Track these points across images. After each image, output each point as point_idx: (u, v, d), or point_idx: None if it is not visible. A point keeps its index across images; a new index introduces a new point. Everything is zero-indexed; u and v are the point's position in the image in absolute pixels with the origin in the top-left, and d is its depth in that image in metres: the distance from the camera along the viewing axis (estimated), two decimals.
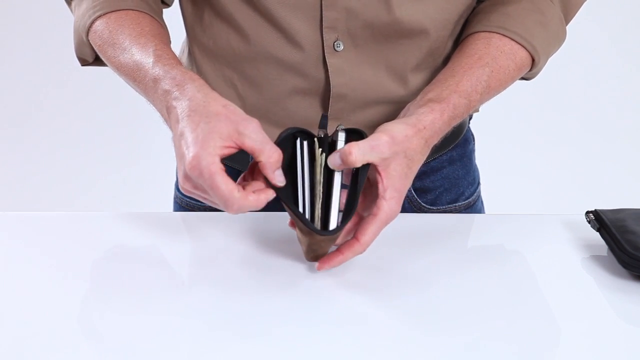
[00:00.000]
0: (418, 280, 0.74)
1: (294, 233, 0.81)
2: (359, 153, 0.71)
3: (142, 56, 0.79)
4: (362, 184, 0.72)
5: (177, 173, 1.07)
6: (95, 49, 0.86)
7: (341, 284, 0.74)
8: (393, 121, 0.76)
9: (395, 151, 0.73)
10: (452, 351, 0.64)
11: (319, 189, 0.73)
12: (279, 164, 0.70)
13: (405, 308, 0.70)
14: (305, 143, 0.75)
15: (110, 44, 0.83)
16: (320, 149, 0.74)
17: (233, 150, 0.70)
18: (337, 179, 0.73)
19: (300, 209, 0.72)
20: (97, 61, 0.91)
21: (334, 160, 0.72)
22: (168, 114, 0.74)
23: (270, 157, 0.70)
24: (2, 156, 2.90)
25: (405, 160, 0.74)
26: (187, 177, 0.70)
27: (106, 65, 0.91)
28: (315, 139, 0.75)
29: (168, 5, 0.95)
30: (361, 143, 0.72)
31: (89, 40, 0.86)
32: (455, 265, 0.78)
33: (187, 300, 0.73)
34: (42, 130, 2.94)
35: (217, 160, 0.68)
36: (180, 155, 0.70)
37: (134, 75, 0.80)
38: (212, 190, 0.68)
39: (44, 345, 0.64)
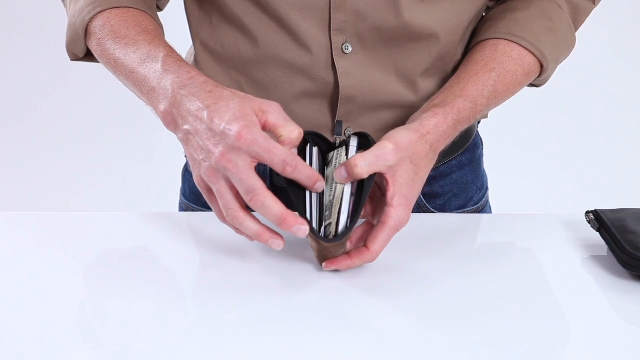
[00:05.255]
0: (422, 281, 0.74)
1: None
2: (364, 165, 0.70)
3: (150, 49, 0.79)
4: (368, 190, 0.72)
5: (183, 176, 1.07)
6: (93, 43, 0.85)
7: (350, 285, 0.74)
8: (396, 129, 0.76)
9: (401, 157, 0.73)
10: (451, 351, 0.64)
11: (335, 194, 0.72)
12: (298, 142, 0.70)
13: (412, 307, 0.70)
14: (315, 149, 0.75)
15: (111, 37, 0.83)
16: (338, 153, 0.74)
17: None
18: (348, 187, 0.72)
19: (308, 216, 0.71)
20: (87, 57, 0.91)
21: (339, 174, 0.72)
22: (178, 102, 0.72)
23: (291, 133, 0.70)
24: (2, 156, 2.91)
25: (411, 166, 0.74)
26: (227, 155, 0.68)
27: (96, 61, 0.91)
28: (336, 149, 0.75)
29: (160, 9, 0.95)
30: (366, 154, 0.71)
31: (85, 36, 0.86)
32: (457, 265, 0.78)
33: (190, 302, 0.73)
34: (42, 130, 2.94)
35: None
36: (219, 132, 0.68)
37: (133, 67, 0.79)
38: (268, 153, 0.67)
39: (43, 346, 0.64)
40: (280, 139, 0.70)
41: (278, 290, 0.72)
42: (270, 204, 0.68)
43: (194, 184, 1.02)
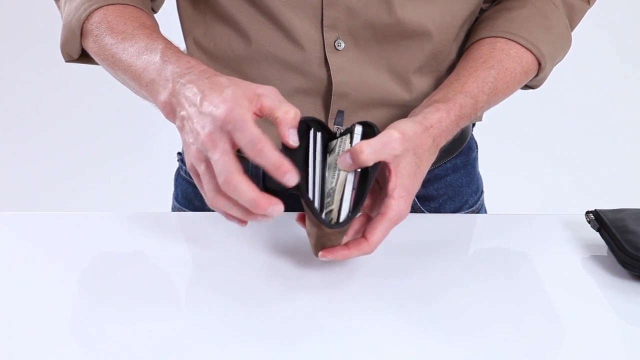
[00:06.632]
0: (421, 281, 0.74)
1: (298, 235, 0.81)
2: (370, 151, 0.69)
3: (149, 42, 0.79)
4: (373, 177, 0.71)
5: (176, 181, 1.06)
6: (89, 41, 0.85)
7: (348, 286, 0.73)
8: (400, 120, 0.75)
9: (406, 148, 0.72)
10: (451, 351, 0.64)
11: (337, 181, 0.71)
12: (295, 122, 0.69)
13: (410, 310, 0.70)
14: (318, 134, 0.74)
15: (108, 33, 0.83)
16: (342, 140, 0.74)
17: (254, 117, 0.69)
18: (351, 175, 0.72)
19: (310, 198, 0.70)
20: (82, 58, 0.91)
21: (344, 161, 0.71)
22: (177, 91, 0.72)
23: (286, 113, 0.68)
24: (2, 156, 2.91)
25: (414, 158, 0.73)
26: (211, 136, 0.66)
27: (91, 63, 0.91)
28: (340, 137, 0.75)
29: (154, 11, 0.95)
30: (372, 141, 0.70)
31: (81, 35, 0.86)
32: (455, 266, 0.78)
33: (187, 303, 0.73)
34: (43, 131, 2.94)
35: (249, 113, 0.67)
36: (207, 114, 0.68)
37: (131, 60, 0.79)
38: (240, 132, 0.65)
39: (41, 347, 0.64)
40: (276, 120, 0.68)
41: (273, 292, 0.72)
42: (244, 187, 0.65)
43: (185, 188, 1.03)
